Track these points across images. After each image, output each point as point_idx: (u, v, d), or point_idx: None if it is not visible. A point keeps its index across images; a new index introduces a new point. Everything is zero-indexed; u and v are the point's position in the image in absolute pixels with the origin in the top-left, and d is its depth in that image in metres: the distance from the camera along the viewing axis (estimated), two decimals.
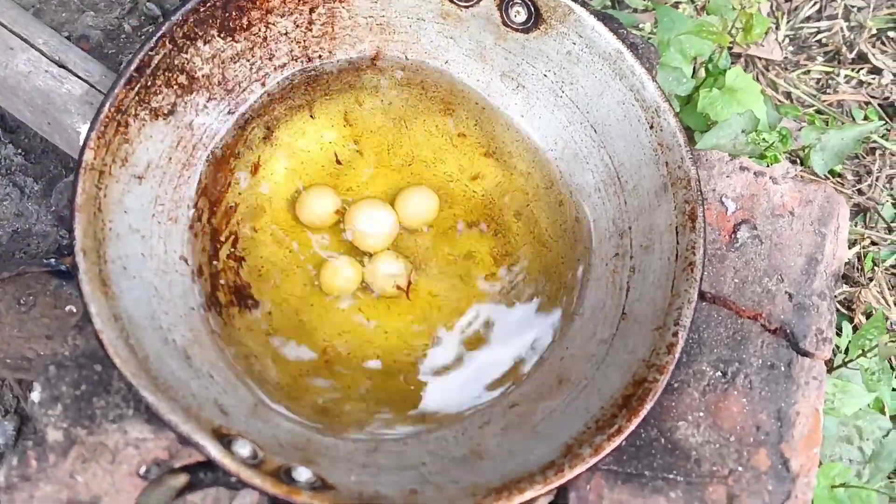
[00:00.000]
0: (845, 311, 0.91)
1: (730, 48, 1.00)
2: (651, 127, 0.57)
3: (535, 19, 0.58)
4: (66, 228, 0.80)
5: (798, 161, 0.99)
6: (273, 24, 0.58)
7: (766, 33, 1.01)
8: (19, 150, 0.90)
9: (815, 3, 1.13)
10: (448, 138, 0.63)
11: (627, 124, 0.58)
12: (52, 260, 0.73)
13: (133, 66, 0.52)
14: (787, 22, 1.11)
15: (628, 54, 0.56)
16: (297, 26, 0.59)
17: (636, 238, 0.57)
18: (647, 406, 0.50)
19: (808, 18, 1.12)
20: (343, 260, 0.59)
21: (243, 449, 0.47)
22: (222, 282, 0.57)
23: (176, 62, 0.55)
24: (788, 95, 1.07)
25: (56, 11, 0.96)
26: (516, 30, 0.59)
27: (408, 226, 0.61)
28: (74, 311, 0.70)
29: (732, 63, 0.97)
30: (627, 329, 0.55)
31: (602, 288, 0.58)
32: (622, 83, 0.57)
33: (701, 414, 0.60)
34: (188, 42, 0.55)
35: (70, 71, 0.78)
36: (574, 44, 0.58)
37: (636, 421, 0.49)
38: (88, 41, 0.95)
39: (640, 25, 0.98)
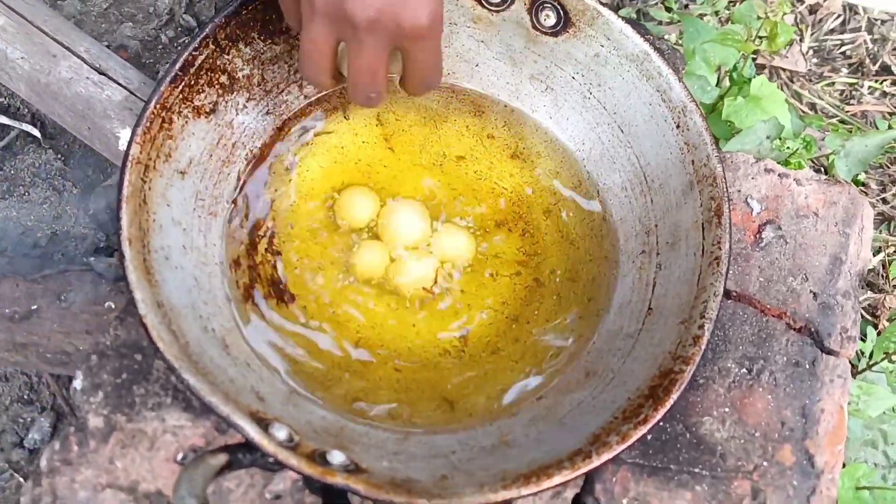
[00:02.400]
0: (870, 318, 0.92)
1: (754, 59, 1.01)
2: (678, 126, 0.58)
3: (564, 23, 0.60)
4: (112, 219, 0.82)
5: (822, 170, 0.99)
6: None
7: (791, 44, 1.03)
8: (59, 156, 0.93)
9: (839, 16, 1.14)
10: (478, 139, 0.64)
11: (654, 124, 0.59)
12: (92, 259, 0.76)
13: (178, 65, 0.55)
14: (811, 34, 1.12)
15: (655, 56, 0.58)
16: None
17: (662, 235, 0.59)
18: (674, 396, 0.51)
19: (831, 31, 1.14)
20: (374, 243, 0.60)
21: (280, 432, 0.49)
22: (260, 275, 0.59)
23: (218, 63, 0.57)
24: (813, 106, 1.08)
25: (96, 22, 0.99)
26: (546, 33, 0.61)
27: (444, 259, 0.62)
28: (113, 306, 0.73)
29: (757, 73, 0.98)
30: (653, 323, 0.56)
31: (629, 284, 0.60)
32: (649, 84, 0.59)
33: (726, 410, 0.60)
34: (230, 43, 0.57)
35: (110, 78, 0.81)
36: (602, 46, 0.60)
37: (662, 410, 0.50)
38: (127, 51, 0.99)
39: (665, 36, 1.00)
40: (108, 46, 0.96)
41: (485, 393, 0.58)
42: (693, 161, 0.57)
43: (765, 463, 0.59)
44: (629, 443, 0.49)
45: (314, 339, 0.58)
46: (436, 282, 0.61)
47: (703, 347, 0.52)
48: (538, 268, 0.62)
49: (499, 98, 0.65)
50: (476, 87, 0.65)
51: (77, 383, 0.58)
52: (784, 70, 1.09)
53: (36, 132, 0.94)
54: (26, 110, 0.95)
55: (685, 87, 0.58)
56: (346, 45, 0.49)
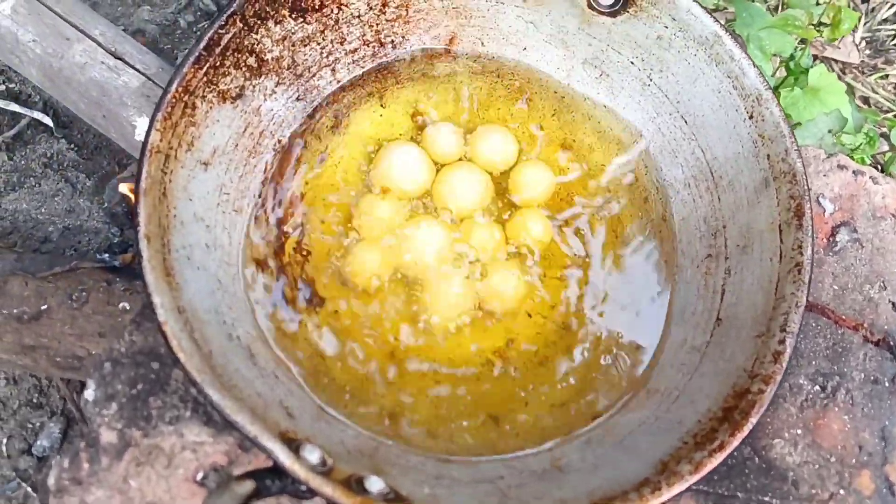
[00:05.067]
0: None
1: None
2: (751, 117, 0.52)
3: (623, 1, 0.55)
4: (129, 214, 0.78)
5: (879, 167, 0.93)
6: (346, 6, 0.55)
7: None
8: (72, 146, 0.89)
9: (893, 5, 1.08)
10: (524, 129, 0.59)
11: (723, 114, 0.54)
12: (106, 256, 0.71)
13: (202, 45, 0.49)
14: (864, 24, 1.06)
15: (727, 38, 0.52)
16: (371, 8, 0.56)
17: (732, 237, 0.53)
18: (753, 420, 0.45)
19: (884, 21, 1.07)
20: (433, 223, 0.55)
21: (312, 455, 0.43)
22: (288, 276, 0.54)
23: (245, 42, 0.52)
24: (866, 100, 1.02)
25: (112, 5, 0.94)
26: (602, 13, 0.55)
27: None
28: (128, 307, 0.68)
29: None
30: (724, 335, 0.51)
31: (693, 291, 0.54)
32: (719, 69, 0.53)
33: (798, 431, 0.55)
34: (259, 21, 0.52)
35: (127, 63, 0.77)
36: (666, 27, 0.54)
37: (740, 436, 0.45)
38: (144, 35, 0.94)
39: None
40: (124, 30, 0.91)
41: (533, 409, 0.53)
42: (769, 155, 0.51)
43: (841, 491, 0.53)
44: (703, 472, 0.44)
45: (345, 347, 0.53)
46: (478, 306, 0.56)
47: (785, 365, 0.46)
48: (591, 270, 0.56)
49: (549, 84, 0.59)
50: (523, 72, 0.59)
51: (89, 393, 0.53)
52: (836, 61, 1.02)
53: (48, 120, 0.89)
54: (38, 97, 0.90)
55: (761, 72, 0.52)
56: None
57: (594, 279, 0.56)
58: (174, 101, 0.48)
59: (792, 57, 0.82)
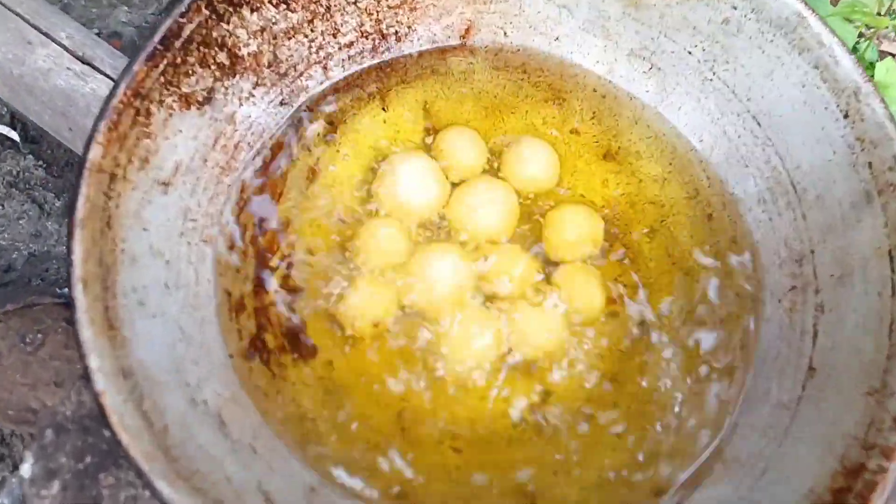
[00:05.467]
0: None
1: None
2: (845, 116, 0.42)
3: None
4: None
5: None
6: None
7: None
8: (40, 162, 0.79)
9: None
10: (558, 135, 0.49)
11: (808, 113, 0.43)
12: (67, 290, 0.61)
13: (158, 37, 0.39)
14: None
15: (813, 18, 0.42)
16: None
17: (823, 265, 0.42)
18: None
19: None
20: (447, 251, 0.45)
21: None
22: (271, 320, 0.43)
23: (214, 35, 0.42)
24: None
25: (86, 7, 0.85)
26: None
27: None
28: None
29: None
30: (820, 389, 0.40)
31: (774, 331, 0.43)
32: (802, 59, 0.43)
33: None
34: (230, 8, 0.42)
35: (96, 68, 0.68)
36: (734, 8, 0.44)
37: None
38: (121, 39, 0.84)
39: None
40: (98, 34, 0.81)
41: (577, 482, 0.43)
42: (870, 163, 0.41)
43: None
44: None
45: (343, 408, 0.43)
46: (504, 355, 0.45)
47: None
48: (642, 310, 0.46)
49: (586, 81, 0.49)
50: (555, 67, 0.49)
51: (25, 469, 0.43)
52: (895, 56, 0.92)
53: (14, 135, 0.79)
54: (4, 110, 0.81)
55: (857, 61, 0.41)
56: None
57: (648, 316, 0.46)
58: (122, 107, 0.38)
59: (856, 49, 0.71)
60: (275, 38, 0.44)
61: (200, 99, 0.42)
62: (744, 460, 0.40)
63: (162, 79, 0.40)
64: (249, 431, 0.40)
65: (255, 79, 0.44)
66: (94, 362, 0.34)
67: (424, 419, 0.44)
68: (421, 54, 0.49)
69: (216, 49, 0.42)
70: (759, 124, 0.45)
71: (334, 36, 0.46)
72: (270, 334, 0.43)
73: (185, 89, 0.41)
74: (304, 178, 0.46)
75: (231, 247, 0.44)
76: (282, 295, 0.44)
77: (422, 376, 0.44)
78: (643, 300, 0.46)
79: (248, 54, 0.44)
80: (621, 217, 0.48)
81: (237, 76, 0.43)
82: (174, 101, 0.41)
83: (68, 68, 0.67)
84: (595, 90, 0.49)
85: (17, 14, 0.70)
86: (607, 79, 0.49)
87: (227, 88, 0.43)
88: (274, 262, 0.44)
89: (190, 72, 0.41)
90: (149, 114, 0.40)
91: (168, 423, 0.36)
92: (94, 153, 0.37)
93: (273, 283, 0.44)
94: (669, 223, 0.47)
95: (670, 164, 0.48)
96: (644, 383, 0.44)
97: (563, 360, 0.45)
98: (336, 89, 0.47)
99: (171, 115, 0.41)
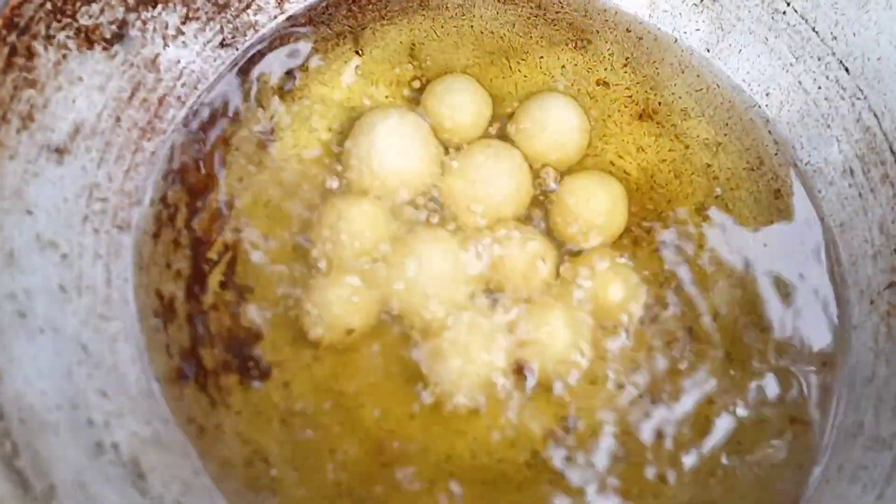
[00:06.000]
0: None
1: None
2: None
3: None
4: None
5: None
6: None
7: None
8: None
9: None
10: (581, 87, 0.38)
11: None
12: None
13: None
14: None
15: None
16: None
17: None
18: None
19: None
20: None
21: None
22: (210, 330, 0.33)
23: None
24: None
25: None
26: None
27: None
28: None
29: None
30: None
31: (865, 343, 0.34)
32: None
33: None
34: None
35: None
36: None
37: None
38: None
39: None
40: None
41: None
42: None
43: None
44: None
45: (305, 442, 0.33)
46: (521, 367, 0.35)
47: None
48: (691, 309, 0.36)
49: (618, 18, 0.38)
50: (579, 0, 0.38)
51: None
52: None
53: None
54: None
55: None
56: None
57: (697, 324, 0.36)
58: None
59: None
60: None
61: (108, 36, 0.31)
62: None
63: (49, 5, 0.29)
64: (177, 484, 0.30)
65: (184, 10, 0.33)
66: None
67: (413, 454, 0.34)
68: None
69: None
70: (847, 72, 0.35)
71: None
72: (209, 349, 0.33)
73: (83, 21, 0.30)
74: (253, 143, 0.35)
75: (156, 234, 0.33)
76: (224, 297, 0.34)
77: (409, 399, 0.34)
78: (691, 298, 0.36)
79: None
80: (661, 190, 0.37)
81: (159, 6, 0.33)
82: (69, 37, 0.30)
83: None
84: (629, 30, 0.38)
85: None
86: (645, 14, 0.38)
87: (145, 23, 0.32)
88: (214, 253, 0.34)
89: None
90: (31, 54, 0.29)
91: (55, 484, 0.26)
92: None
93: (213, 281, 0.34)
94: (725, 200, 0.37)
95: (726, 124, 0.38)
96: (690, 403, 0.34)
97: (587, 378, 0.35)
98: (295, 26, 0.37)
99: (64, 56, 0.30)
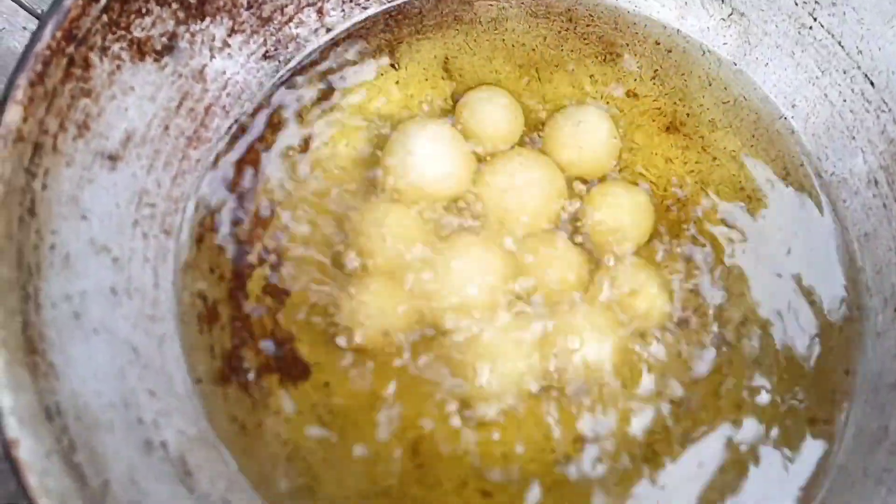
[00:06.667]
0: None
1: None
2: None
3: None
4: None
5: None
6: None
7: None
8: None
9: None
10: (609, 99, 0.39)
11: None
12: None
13: None
14: None
15: None
16: None
17: None
18: None
19: None
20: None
21: None
22: (252, 332, 0.34)
23: None
24: None
25: None
26: None
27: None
28: None
29: None
30: None
31: (890, 350, 0.34)
32: None
33: None
34: None
35: None
36: None
37: None
38: None
39: None
40: None
41: None
42: None
43: None
44: None
45: (343, 441, 0.34)
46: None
47: None
48: (720, 316, 0.37)
49: (647, 31, 0.39)
50: (608, 14, 0.39)
51: None
52: None
53: None
54: None
55: None
56: None
57: (727, 331, 0.36)
58: (49, 54, 0.29)
59: None
60: None
61: (159, 47, 0.33)
62: None
63: (105, 18, 0.30)
64: (223, 481, 0.31)
65: (230, 23, 0.35)
66: (5, 400, 0.25)
67: (446, 455, 0.35)
68: None
69: None
70: (872, 85, 0.36)
71: None
72: (250, 350, 0.34)
73: (137, 33, 0.32)
74: (293, 152, 0.37)
75: (200, 239, 0.34)
76: (265, 300, 0.35)
77: (443, 401, 0.35)
78: (717, 307, 0.37)
79: None
80: (688, 202, 0.38)
81: (207, 19, 0.34)
82: (123, 48, 0.31)
83: (24, 28, 0.58)
84: (658, 42, 0.39)
85: None
86: (674, 27, 0.39)
87: (193, 35, 0.34)
88: (254, 258, 0.35)
89: (143, 10, 0.32)
90: (88, 65, 0.30)
91: (110, 479, 0.27)
92: (11, 116, 0.28)
93: (254, 284, 0.35)
94: (750, 210, 0.38)
95: (753, 136, 0.38)
96: (719, 413, 0.35)
97: (618, 383, 0.36)
98: (334, 41, 0.38)
99: (118, 67, 0.31)
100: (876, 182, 0.36)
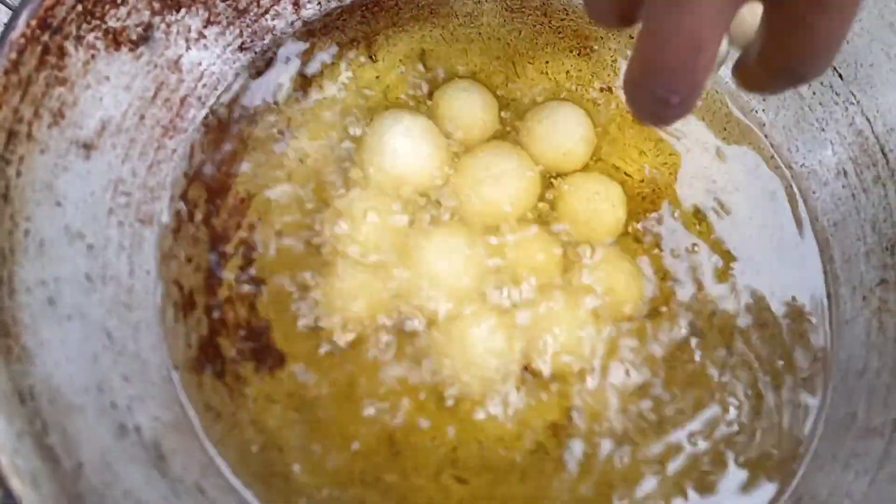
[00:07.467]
0: None
1: None
2: None
3: None
4: None
5: None
6: None
7: None
8: None
9: None
10: (583, 92, 0.40)
11: None
12: None
13: None
14: None
15: None
16: None
17: None
18: None
19: None
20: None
21: None
22: (227, 321, 0.34)
23: None
24: None
25: None
26: None
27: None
28: None
29: None
30: None
31: (858, 337, 0.35)
32: None
33: None
34: None
35: None
36: None
37: None
38: None
39: None
40: None
41: None
42: None
43: None
44: None
45: (318, 430, 0.34)
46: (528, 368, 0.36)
47: None
48: (691, 306, 0.37)
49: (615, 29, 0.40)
50: (582, 8, 0.40)
51: None
52: None
53: None
54: None
55: None
56: None
57: (700, 321, 0.37)
58: (24, 42, 0.29)
59: None
60: None
61: (134, 37, 0.33)
62: (824, 499, 0.32)
63: (80, 7, 0.31)
64: (196, 467, 0.31)
65: (206, 14, 0.35)
66: None
67: (422, 444, 0.35)
68: None
69: None
70: (840, 77, 0.36)
71: None
72: (226, 338, 0.34)
73: (112, 23, 0.32)
74: (270, 142, 0.37)
75: (177, 228, 0.35)
76: (240, 289, 0.35)
77: (418, 390, 0.35)
78: (691, 295, 0.37)
79: None
80: (660, 195, 0.39)
81: (183, 9, 0.34)
82: (98, 38, 0.31)
83: (4, 24, 0.58)
84: (632, 37, 0.40)
85: None
86: None
87: (169, 25, 0.34)
88: (230, 247, 0.35)
89: (119, 0, 0.32)
90: (62, 53, 0.30)
91: (83, 462, 0.27)
92: None
93: (229, 274, 0.35)
94: (722, 201, 0.38)
95: (725, 128, 0.39)
96: (692, 402, 0.36)
97: (593, 372, 0.36)
98: (310, 32, 0.38)
99: (93, 56, 0.31)
100: (845, 173, 0.36)
